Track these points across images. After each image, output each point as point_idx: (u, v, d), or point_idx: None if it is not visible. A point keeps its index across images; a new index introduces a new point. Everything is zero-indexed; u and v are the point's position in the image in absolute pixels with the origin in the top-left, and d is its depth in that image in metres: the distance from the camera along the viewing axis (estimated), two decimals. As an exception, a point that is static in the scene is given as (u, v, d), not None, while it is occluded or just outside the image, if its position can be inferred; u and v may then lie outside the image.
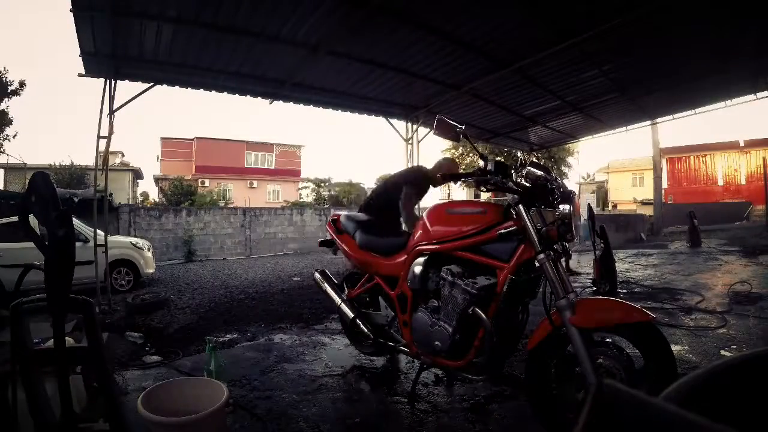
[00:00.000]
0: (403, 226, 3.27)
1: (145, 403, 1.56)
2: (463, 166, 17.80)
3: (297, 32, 4.30)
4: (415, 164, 3.61)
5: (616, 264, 5.18)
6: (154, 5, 3.69)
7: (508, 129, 8.64)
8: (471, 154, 17.39)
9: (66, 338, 1.29)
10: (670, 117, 8.40)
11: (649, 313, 1.52)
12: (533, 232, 1.65)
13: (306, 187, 25.36)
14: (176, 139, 28.54)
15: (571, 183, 21.90)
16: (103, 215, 5.59)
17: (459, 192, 23.80)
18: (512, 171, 1.84)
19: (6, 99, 12.33)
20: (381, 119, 7.37)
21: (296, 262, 10.61)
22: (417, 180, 3.47)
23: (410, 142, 7.69)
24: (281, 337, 3.56)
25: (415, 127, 7.59)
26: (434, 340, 1.94)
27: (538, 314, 1.84)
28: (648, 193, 21.54)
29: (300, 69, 5.15)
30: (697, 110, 7.79)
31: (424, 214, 2.15)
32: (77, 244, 3.21)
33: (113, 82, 4.83)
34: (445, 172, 3.00)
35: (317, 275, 2.84)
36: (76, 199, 9.58)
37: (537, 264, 1.66)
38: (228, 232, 14.02)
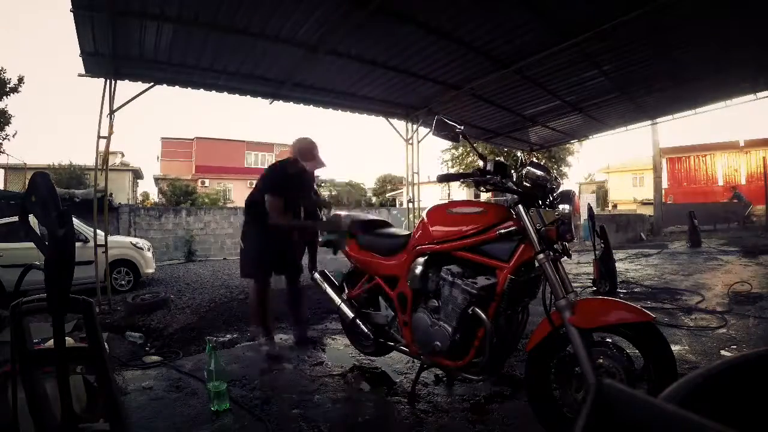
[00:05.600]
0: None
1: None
2: (463, 166, 17.82)
3: (297, 32, 4.30)
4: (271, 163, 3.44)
5: (616, 264, 5.18)
6: (154, 5, 3.70)
7: (509, 129, 8.64)
8: (471, 154, 17.39)
9: (66, 338, 1.29)
10: (670, 117, 8.40)
11: (649, 313, 1.52)
12: (533, 232, 1.65)
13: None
14: (176, 139, 28.57)
15: (571, 183, 21.93)
16: (103, 215, 5.59)
17: (459, 192, 23.83)
18: (512, 171, 1.84)
19: (5, 96, 12.26)
20: (381, 119, 7.37)
21: (296, 262, 10.57)
22: (278, 182, 2.97)
23: (410, 142, 7.70)
24: (281, 337, 3.55)
25: (415, 127, 7.59)
26: (434, 340, 1.94)
27: (538, 314, 1.84)
28: (648, 193, 21.52)
29: (300, 69, 5.15)
30: (697, 110, 7.80)
31: (425, 214, 2.16)
32: (77, 244, 3.21)
33: (113, 82, 4.83)
34: (301, 153, 2.89)
35: (317, 275, 2.84)
36: (77, 199, 9.57)
37: (537, 264, 1.66)
38: (228, 232, 14.02)
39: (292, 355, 2.96)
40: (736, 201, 15.44)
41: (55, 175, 17.64)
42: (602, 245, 4.86)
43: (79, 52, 4.31)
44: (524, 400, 1.92)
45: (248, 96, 5.79)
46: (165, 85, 5.12)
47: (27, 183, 1.47)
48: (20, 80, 12.43)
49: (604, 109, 7.61)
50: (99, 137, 4.84)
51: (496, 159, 1.84)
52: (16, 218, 3.70)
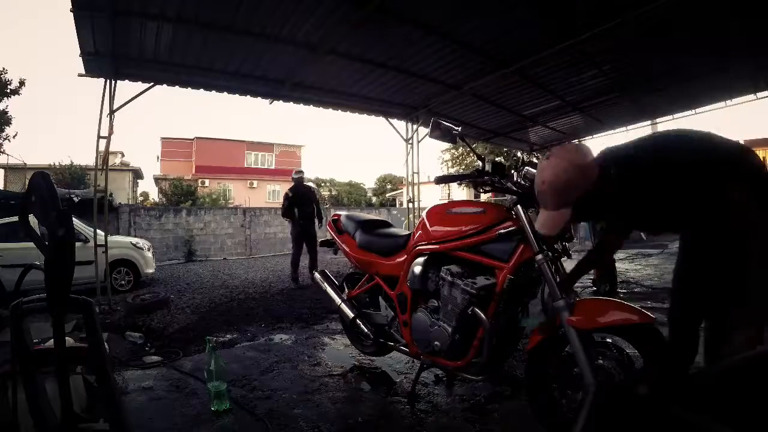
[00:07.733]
0: None
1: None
2: (463, 166, 17.86)
3: (297, 32, 4.30)
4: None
5: (616, 264, 5.17)
6: (154, 5, 3.70)
7: (508, 129, 8.64)
8: (471, 155, 17.41)
9: (66, 338, 1.29)
10: (670, 117, 8.39)
11: (649, 314, 1.51)
12: (532, 233, 1.64)
13: (306, 187, 25.37)
14: (176, 139, 28.56)
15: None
16: (103, 215, 5.59)
17: (459, 192, 23.82)
18: (512, 171, 1.83)
19: (5, 98, 12.29)
20: (381, 119, 7.38)
21: (296, 262, 10.55)
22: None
23: (410, 142, 7.70)
24: (281, 337, 3.56)
25: (415, 127, 7.60)
26: (434, 340, 1.94)
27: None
28: (648, 193, 21.46)
29: (300, 69, 5.15)
30: (697, 110, 7.80)
31: (424, 214, 2.16)
32: (77, 244, 3.20)
33: (113, 82, 4.83)
34: None
35: (317, 275, 2.84)
36: (76, 199, 9.57)
37: (536, 264, 1.66)
38: (228, 232, 14.02)
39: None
40: None
41: (56, 175, 17.62)
42: (602, 245, 4.85)
43: (79, 52, 4.31)
44: (524, 400, 1.92)
45: (248, 96, 5.79)
46: (165, 85, 5.11)
47: (27, 183, 1.47)
48: (21, 83, 12.44)
49: (604, 109, 7.61)
50: (99, 137, 4.84)
51: (495, 159, 1.83)
52: (16, 218, 3.70)
